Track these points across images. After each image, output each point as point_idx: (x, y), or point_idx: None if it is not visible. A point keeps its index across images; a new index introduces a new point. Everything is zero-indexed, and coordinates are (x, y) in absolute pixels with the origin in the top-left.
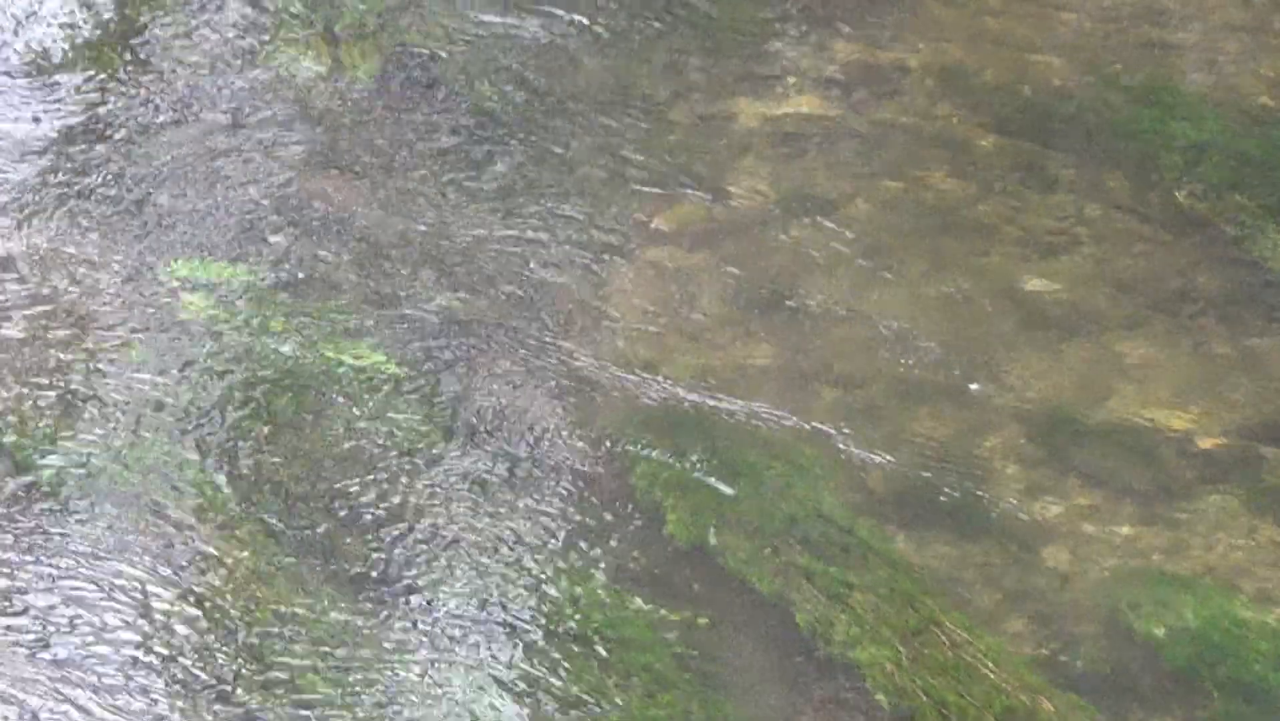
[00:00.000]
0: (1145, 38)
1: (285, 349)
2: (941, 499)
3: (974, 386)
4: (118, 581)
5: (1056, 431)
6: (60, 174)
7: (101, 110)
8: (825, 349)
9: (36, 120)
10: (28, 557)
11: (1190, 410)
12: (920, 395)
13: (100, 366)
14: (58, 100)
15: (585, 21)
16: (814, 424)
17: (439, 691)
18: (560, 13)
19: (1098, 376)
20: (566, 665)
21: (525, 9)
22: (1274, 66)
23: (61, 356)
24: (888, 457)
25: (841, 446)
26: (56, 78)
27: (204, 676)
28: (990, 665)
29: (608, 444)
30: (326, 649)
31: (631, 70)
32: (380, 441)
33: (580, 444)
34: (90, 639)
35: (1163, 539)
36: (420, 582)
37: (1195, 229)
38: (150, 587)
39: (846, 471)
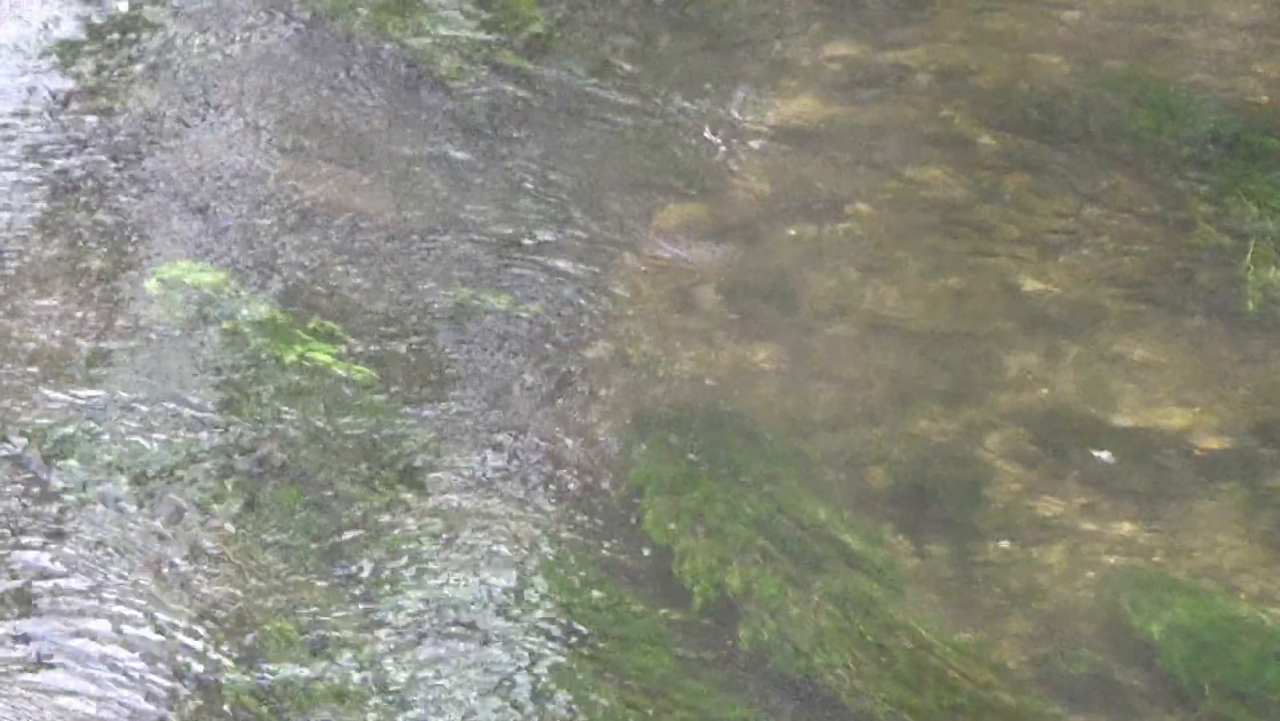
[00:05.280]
0: (1145, 38)
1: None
2: (940, 499)
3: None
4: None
5: (1056, 431)
6: None
7: None
8: (825, 348)
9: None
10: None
11: (1190, 410)
12: (920, 395)
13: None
14: None
15: (584, 21)
16: (813, 423)
17: (433, 692)
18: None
19: (1097, 376)
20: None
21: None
22: (1274, 66)
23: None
24: (887, 457)
25: (841, 445)
26: None
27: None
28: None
29: (605, 441)
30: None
31: (631, 69)
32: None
33: (577, 441)
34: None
35: (1162, 539)
36: (411, 581)
37: (1195, 228)
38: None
39: (846, 470)
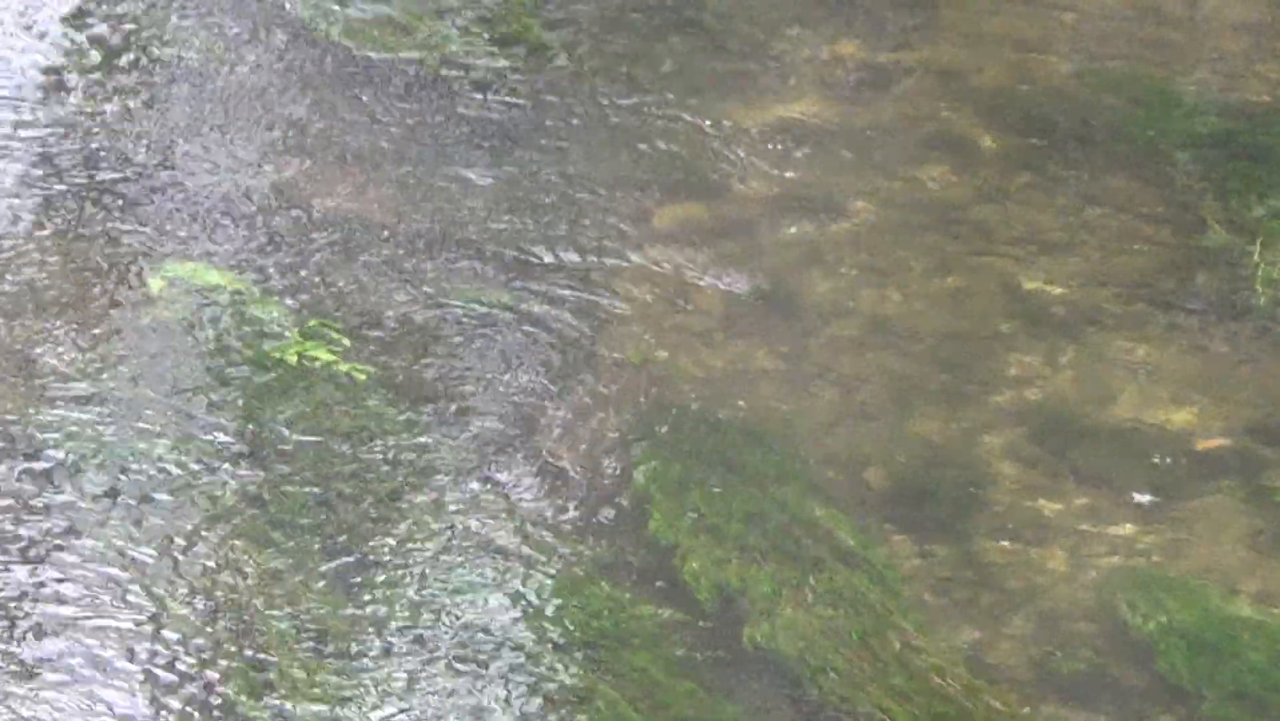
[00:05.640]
0: (1145, 38)
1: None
2: (940, 499)
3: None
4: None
5: (1056, 431)
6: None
7: None
8: (824, 348)
9: None
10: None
11: (1190, 410)
12: (920, 395)
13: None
14: None
15: (585, 20)
16: (813, 424)
17: (431, 689)
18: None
19: (1097, 376)
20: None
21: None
22: (1274, 67)
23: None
24: (887, 457)
25: (841, 445)
26: None
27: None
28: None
29: (605, 440)
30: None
31: (631, 70)
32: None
33: (576, 441)
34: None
35: (1162, 539)
36: (410, 579)
37: (1195, 229)
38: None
39: (846, 470)
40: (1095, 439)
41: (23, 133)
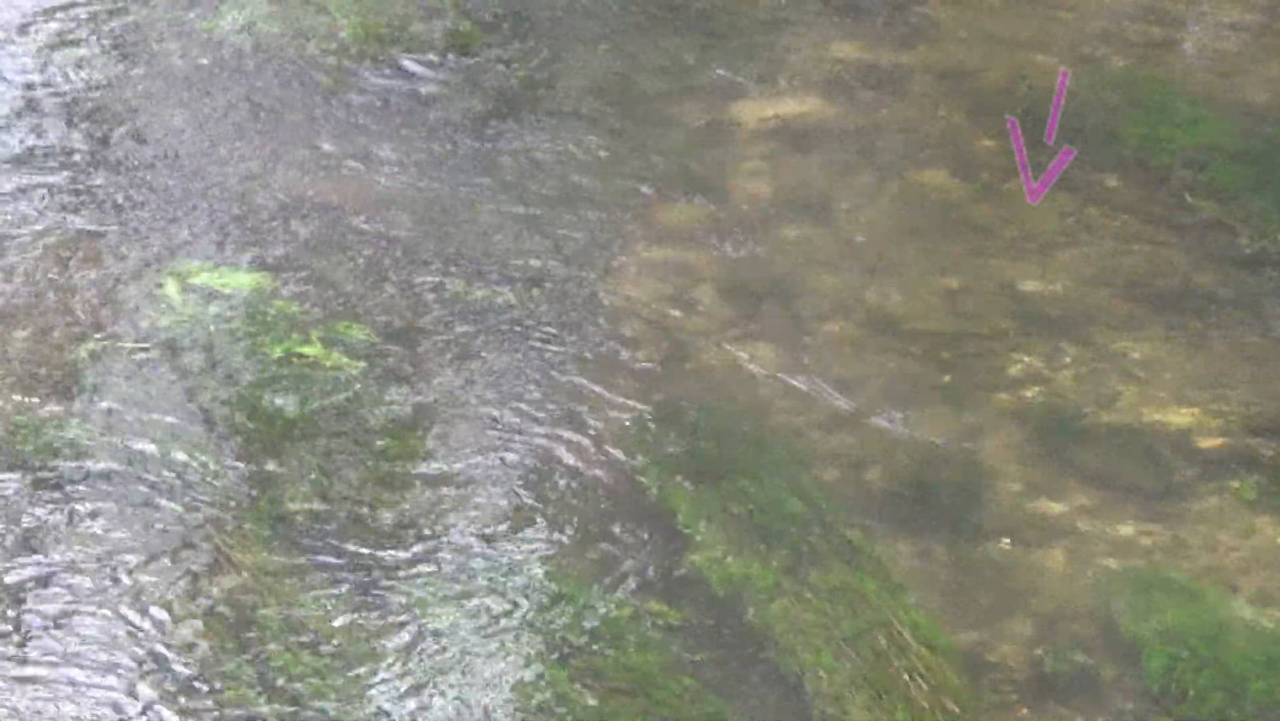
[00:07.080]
0: (1145, 38)
1: None
2: (941, 498)
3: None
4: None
5: (1056, 431)
6: None
7: None
8: (824, 348)
9: None
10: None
11: (1190, 410)
12: (920, 395)
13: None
14: None
15: (586, 20)
16: (814, 423)
17: (429, 685)
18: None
19: (1097, 376)
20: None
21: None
22: (1273, 67)
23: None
24: (887, 457)
25: (841, 445)
26: None
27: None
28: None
29: (601, 439)
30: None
31: (631, 70)
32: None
33: (573, 441)
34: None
35: (1162, 539)
36: (410, 572)
37: (1195, 228)
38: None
39: (846, 470)
40: (1095, 439)
41: (22, 136)
